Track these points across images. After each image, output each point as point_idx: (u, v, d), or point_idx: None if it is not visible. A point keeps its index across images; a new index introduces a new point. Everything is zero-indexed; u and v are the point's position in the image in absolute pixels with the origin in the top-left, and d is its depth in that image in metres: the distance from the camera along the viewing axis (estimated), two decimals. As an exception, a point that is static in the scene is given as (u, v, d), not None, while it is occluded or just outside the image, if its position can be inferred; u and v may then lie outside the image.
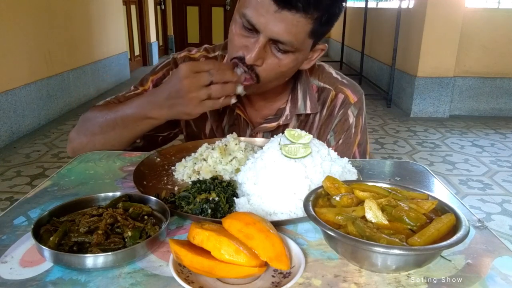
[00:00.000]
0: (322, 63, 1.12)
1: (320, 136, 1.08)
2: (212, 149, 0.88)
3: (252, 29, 0.86)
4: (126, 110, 0.95)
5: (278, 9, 0.81)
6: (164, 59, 1.13)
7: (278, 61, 0.89)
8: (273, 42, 0.86)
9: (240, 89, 0.90)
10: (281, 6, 0.81)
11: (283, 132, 1.07)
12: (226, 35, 1.15)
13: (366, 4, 6.52)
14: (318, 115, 1.08)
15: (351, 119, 1.06)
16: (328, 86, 1.07)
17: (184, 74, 0.85)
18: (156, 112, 0.91)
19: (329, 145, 1.07)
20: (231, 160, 0.87)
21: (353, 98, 1.06)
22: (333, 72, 1.10)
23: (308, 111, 1.05)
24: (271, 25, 0.83)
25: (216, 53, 1.10)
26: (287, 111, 1.05)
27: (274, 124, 1.05)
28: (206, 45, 1.13)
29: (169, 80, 0.92)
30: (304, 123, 1.08)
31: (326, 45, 0.98)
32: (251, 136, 1.07)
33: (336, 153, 0.80)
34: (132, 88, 1.10)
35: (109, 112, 0.98)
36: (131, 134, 0.98)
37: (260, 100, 1.07)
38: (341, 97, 1.06)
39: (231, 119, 1.09)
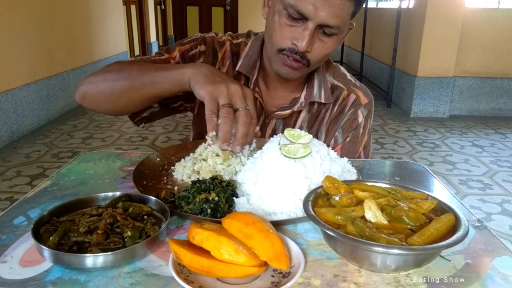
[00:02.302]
0: (338, 64, 1.17)
1: (329, 132, 1.11)
2: (217, 155, 0.87)
3: (299, 18, 0.88)
4: (166, 69, 0.91)
5: None
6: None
7: (323, 44, 0.93)
8: (320, 27, 0.89)
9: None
10: None
11: (295, 120, 1.10)
12: (226, 35, 1.16)
13: (366, 4, 6.51)
14: (329, 111, 1.11)
15: (360, 119, 1.09)
16: (341, 85, 1.11)
17: (242, 88, 0.85)
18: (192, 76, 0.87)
19: (336, 142, 1.09)
20: (231, 161, 0.87)
21: (364, 99, 1.11)
22: (348, 75, 1.15)
23: (322, 100, 1.08)
24: (320, 12, 0.86)
25: (240, 40, 1.12)
26: (301, 99, 1.08)
27: (288, 111, 1.08)
28: (230, 32, 1.16)
29: (223, 73, 0.90)
30: (315, 116, 1.11)
31: (354, 24, 1.01)
32: (263, 122, 1.09)
33: (339, 152, 0.81)
34: (153, 54, 1.08)
35: (143, 66, 0.95)
36: (158, 93, 0.93)
37: (278, 89, 1.10)
38: (352, 97, 1.10)
39: None
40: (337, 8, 0.86)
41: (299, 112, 1.09)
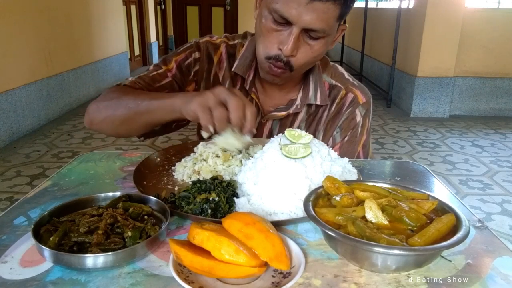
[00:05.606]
0: (336, 64, 1.16)
1: (327, 132, 1.11)
2: (217, 156, 0.87)
3: (284, 23, 0.89)
4: (159, 99, 0.92)
5: (310, 0, 0.85)
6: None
7: (310, 47, 0.93)
8: (305, 31, 0.90)
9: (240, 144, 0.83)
10: None
11: (292, 121, 1.10)
12: (226, 35, 1.16)
13: (366, 4, 6.51)
14: (326, 111, 1.10)
15: (358, 118, 1.09)
16: (339, 85, 1.11)
17: (226, 90, 0.82)
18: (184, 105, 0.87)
19: (334, 142, 1.10)
20: (231, 161, 0.87)
21: (362, 98, 1.11)
22: (345, 74, 1.15)
23: (318, 103, 1.08)
24: (304, 16, 0.86)
25: (236, 41, 1.13)
26: (298, 101, 1.08)
27: (284, 112, 1.08)
28: (226, 34, 1.16)
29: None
30: (313, 116, 1.11)
31: (347, 25, 1.01)
32: (260, 123, 1.10)
33: (338, 152, 0.81)
34: (152, 67, 1.09)
35: (139, 96, 0.96)
36: (154, 121, 0.95)
37: (274, 89, 1.10)
38: (350, 96, 1.10)
39: None
40: (320, 12, 0.86)
41: (296, 113, 1.09)
